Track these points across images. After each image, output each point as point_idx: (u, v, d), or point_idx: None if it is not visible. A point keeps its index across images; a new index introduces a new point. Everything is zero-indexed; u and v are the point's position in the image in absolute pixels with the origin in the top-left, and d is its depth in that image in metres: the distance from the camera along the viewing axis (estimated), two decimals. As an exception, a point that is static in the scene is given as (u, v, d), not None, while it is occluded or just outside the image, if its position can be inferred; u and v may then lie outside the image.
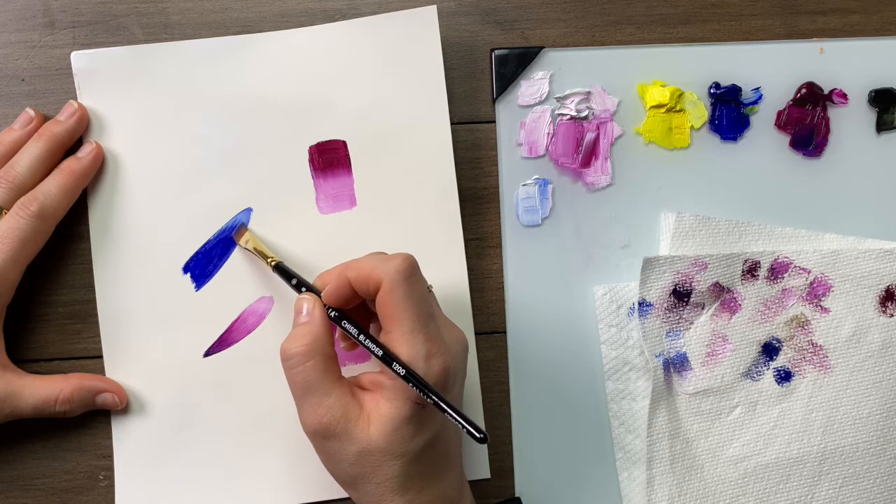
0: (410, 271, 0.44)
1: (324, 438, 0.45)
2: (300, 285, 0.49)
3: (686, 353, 0.53)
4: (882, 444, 0.54)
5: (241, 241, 0.52)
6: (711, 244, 0.54)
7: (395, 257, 0.45)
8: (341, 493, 0.52)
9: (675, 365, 0.53)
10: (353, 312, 0.48)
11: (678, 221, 0.54)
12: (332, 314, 0.46)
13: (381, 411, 0.44)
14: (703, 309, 0.54)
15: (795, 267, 0.54)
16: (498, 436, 0.54)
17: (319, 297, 0.47)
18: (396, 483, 0.44)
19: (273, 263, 0.50)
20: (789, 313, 0.54)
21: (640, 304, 0.53)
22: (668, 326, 0.53)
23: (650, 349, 0.53)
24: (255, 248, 0.51)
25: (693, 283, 0.53)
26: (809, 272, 0.54)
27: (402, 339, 0.44)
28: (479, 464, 0.53)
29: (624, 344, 0.54)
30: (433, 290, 0.48)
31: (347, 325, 0.46)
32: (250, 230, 0.53)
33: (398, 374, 0.43)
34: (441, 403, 0.43)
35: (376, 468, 0.44)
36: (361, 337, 0.45)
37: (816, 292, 0.54)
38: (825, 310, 0.54)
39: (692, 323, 0.53)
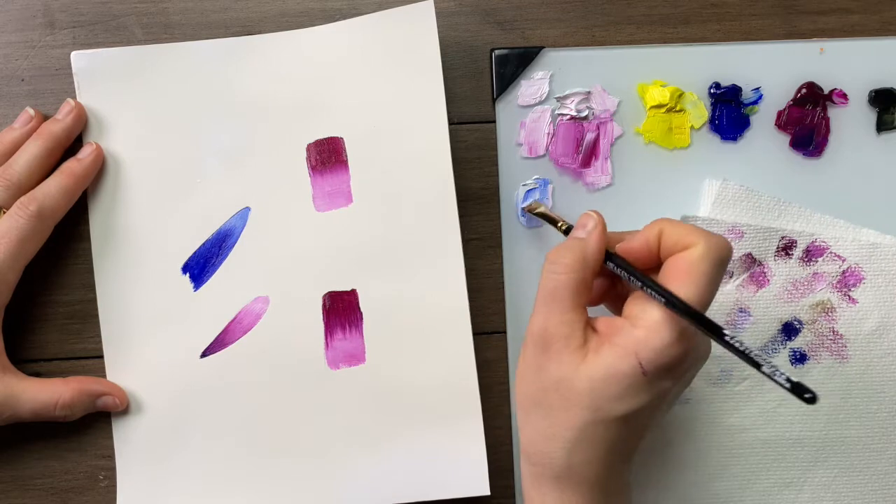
0: (728, 257, 0.42)
1: (538, 347, 0.43)
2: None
3: None
4: (884, 442, 0.54)
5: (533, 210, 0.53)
6: (751, 216, 0.54)
7: (719, 234, 0.43)
8: (338, 490, 0.52)
9: None
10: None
11: (722, 188, 0.54)
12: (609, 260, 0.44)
13: (600, 355, 0.41)
14: (731, 277, 0.54)
15: (831, 253, 0.54)
16: (498, 436, 0.54)
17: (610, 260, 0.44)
18: (570, 436, 0.42)
19: (563, 227, 0.50)
20: (816, 297, 0.54)
21: None
22: None
23: None
24: (543, 214, 0.52)
25: None
26: (844, 260, 0.54)
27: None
28: (476, 478, 0.52)
29: None
30: None
31: (618, 262, 0.44)
32: (540, 202, 0.53)
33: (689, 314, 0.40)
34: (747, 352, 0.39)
35: (561, 408, 0.42)
36: (635, 277, 0.43)
37: (847, 281, 0.54)
38: (853, 300, 0.54)
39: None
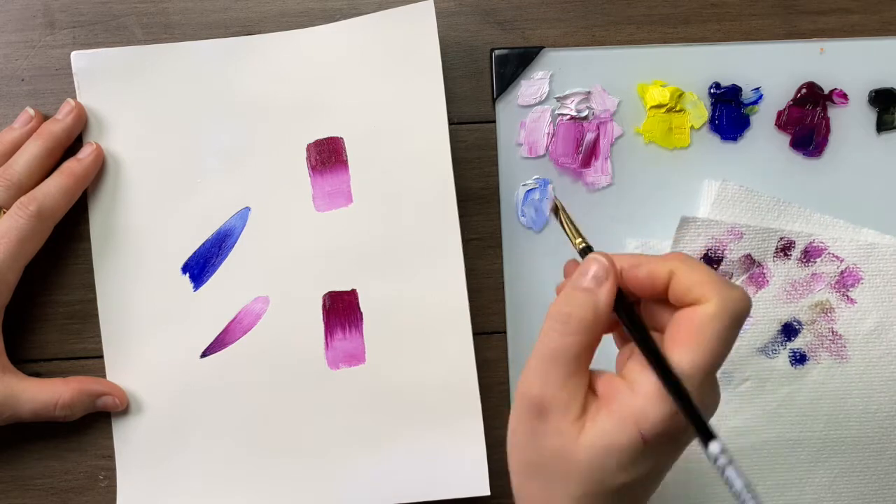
0: (743, 315, 0.38)
1: (533, 413, 0.39)
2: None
3: None
4: (884, 442, 0.54)
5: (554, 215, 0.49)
6: (750, 216, 0.54)
7: (739, 290, 0.38)
8: (338, 490, 0.52)
9: None
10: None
11: (721, 189, 0.54)
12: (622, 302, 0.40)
13: (598, 424, 0.38)
14: (730, 279, 0.54)
15: (829, 253, 0.54)
16: (498, 436, 0.54)
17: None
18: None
19: (581, 247, 0.44)
20: (815, 298, 0.54)
21: None
22: None
23: None
24: (567, 223, 0.47)
25: (725, 251, 0.53)
26: (842, 261, 0.54)
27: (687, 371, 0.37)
28: (476, 478, 0.52)
29: None
30: None
31: (623, 315, 0.40)
32: (561, 205, 0.48)
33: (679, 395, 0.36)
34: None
35: (559, 479, 0.39)
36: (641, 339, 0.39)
37: (846, 282, 0.54)
38: (851, 300, 0.54)
39: None
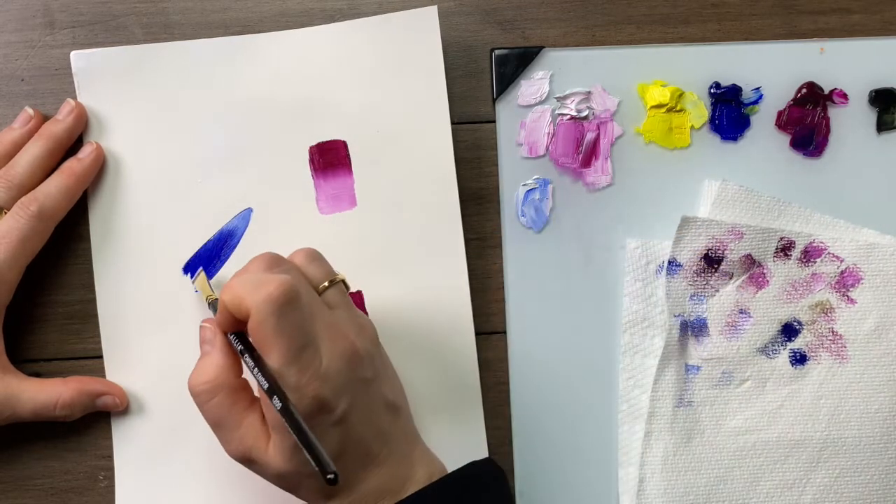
0: (282, 301, 0.42)
1: (245, 464, 0.45)
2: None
3: (706, 319, 0.54)
4: (885, 442, 0.54)
5: (197, 285, 0.52)
6: (750, 217, 0.54)
7: (268, 283, 0.42)
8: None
9: (693, 329, 0.53)
10: None
11: (721, 189, 0.54)
12: (232, 338, 0.45)
13: (276, 441, 0.44)
14: (730, 279, 0.54)
15: (829, 253, 0.54)
16: (498, 436, 0.54)
17: None
18: (320, 493, 0.45)
19: (209, 300, 0.50)
20: (815, 298, 0.54)
21: (669, 262, 0.53)
22: (694, 290, 0.53)
23: (671, 309, 0.53)
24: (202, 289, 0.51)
25: (726, 251, 0.53)
26: (842, 261, 0.54)
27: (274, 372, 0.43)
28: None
29: (647, 300, 0.54)
30: (344, 281, 0.47)
31: (241, 349, 0.44)
32: (203, 275, 0.52)
33: (276, 406, 0.42)
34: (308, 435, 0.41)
35: (296, 485, 0.45)
36: (255, 370, 0.43)
37: (846, 282, 0.54)
38: (851, 300, 0.54)
39: (717, 290, 0.54)
